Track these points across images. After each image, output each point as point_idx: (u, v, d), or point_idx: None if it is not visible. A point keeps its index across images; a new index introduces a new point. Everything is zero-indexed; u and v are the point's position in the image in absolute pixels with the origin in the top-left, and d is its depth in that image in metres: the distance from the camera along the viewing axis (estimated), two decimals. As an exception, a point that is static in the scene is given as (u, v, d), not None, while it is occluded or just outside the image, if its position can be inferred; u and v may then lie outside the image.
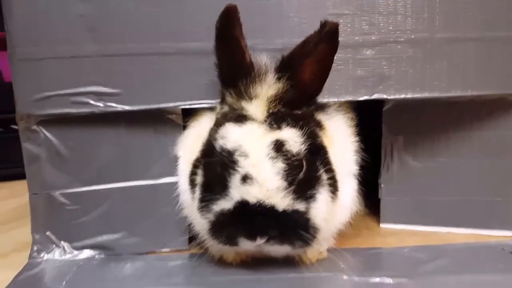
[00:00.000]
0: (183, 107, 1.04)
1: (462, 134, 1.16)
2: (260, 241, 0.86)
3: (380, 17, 1.03)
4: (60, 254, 1.09)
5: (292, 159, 0.87)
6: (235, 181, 0.86)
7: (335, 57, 0.92)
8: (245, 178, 0.86)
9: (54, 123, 1.05)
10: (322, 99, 1.03)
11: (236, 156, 0.87)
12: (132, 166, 1.09)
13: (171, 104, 1.04)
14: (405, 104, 1.12)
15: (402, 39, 1.04)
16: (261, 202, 0.85)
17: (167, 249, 1.12)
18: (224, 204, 0.88)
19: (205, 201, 0.91)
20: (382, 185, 1.22)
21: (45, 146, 1.06)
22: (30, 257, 1.09)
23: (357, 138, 1.06)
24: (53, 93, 1.02)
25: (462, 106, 1.13)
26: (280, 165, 0.86)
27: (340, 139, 1.02)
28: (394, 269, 1.00)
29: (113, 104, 1.03)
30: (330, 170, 0.95)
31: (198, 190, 0.95)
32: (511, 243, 1.11)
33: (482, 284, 0.94)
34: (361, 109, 1.25)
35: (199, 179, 0.96)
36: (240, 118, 0.91)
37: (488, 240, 1.14)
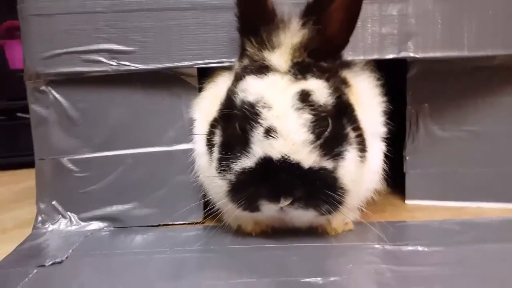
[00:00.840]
0: (199, 66, 0.99)
1: (491, 100, 1.09)
2: (284, 202, 0.79)
3: (406, -29, 0.99)
4: (66, 225, 1.02)
5: (319, 110, 0.81)
6: (257, 135, 0.80)
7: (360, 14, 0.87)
8: (269, 131, 0.79)
9: (64, 84, 1.00)
10: (347, 56, 0.97)
11: (259, 108, 0.81)
12: (145, 131, 1.03)
13: (187, 63, 0.98)
14: (431, 70, 1.07)
15: (431, -6, 1.00)
16: (286, 157, 0.78)
17: (181, 222, 1.05)
18: (245, 162, 0.81)
19: (224, 160, 0.85)
20: (407, 158, 1.15)
21: (54, 108, 1.00)
22: (34, 227, 1.02)
23: (385, 99, 1.00)
24: (64, 50, 0.97)
25: (490, 70, 1.07)
26: (307, 116, 0.80)
27: (367, 99, 0.96)
28: (427, 238, 0.92)
29: (127, 63, 0.98)
30: (357, 129, 0.89)
31: (216, 150, 0.88)
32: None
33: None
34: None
35: (217, 138, 0.89)
36: (262, 69, 0.85)
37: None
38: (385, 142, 1.10)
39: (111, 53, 0.98)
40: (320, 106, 0.81)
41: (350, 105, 0.90)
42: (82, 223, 1.03)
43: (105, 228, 1.03)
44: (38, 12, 0.97)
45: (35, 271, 0.81)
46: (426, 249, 0.86)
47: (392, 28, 0.99)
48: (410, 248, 0.86)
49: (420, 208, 1.14)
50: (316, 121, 0.81)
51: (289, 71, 0.84)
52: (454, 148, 1.12)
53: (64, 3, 0.96)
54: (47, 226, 1.02)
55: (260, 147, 0.80)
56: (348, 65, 0.98)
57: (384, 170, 1.26)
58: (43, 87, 0.99)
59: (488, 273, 0.76)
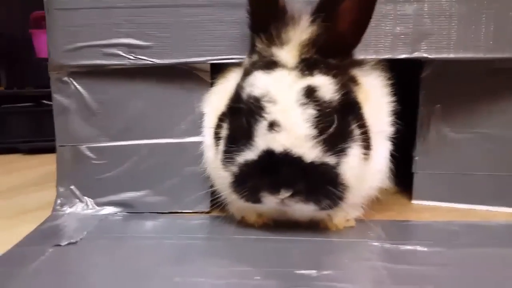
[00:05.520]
0: (213, 62, 1.02)
1: (505, 105, 1.08)
2: (284, 194, 0.82)
3: (422, -30, 0.99)
4: (82, 209, 1.08)
5: (324, 105, 0.83)
6: (261, 129, 0.83)
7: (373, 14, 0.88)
8: (272, 125, 0.82)
9: (85, 75, 1.05)
10: (358, 55, 0.98)
11: (264, 102, 0.83)
12: (159, 123, 1.08)
13: (201, 59, 1.02)
14: (445, 71, 1.07)
15: (446, -6, 0.99)
16: (288, 151, 0.81)
17: (189, 211, 1.09)
18: (249, 155, 0.84)
19: (229, 152, 0.88)
20: (416, 158, 1.15)
21: (75, 98, 1.06)
22: (54, 210, 1.09)
23: (393, 99, 1.00)
24: (86, 43, 1.03)
25: (506, 74, 1.06)
26: (311, 111, 0.82)
27: (376, 98, 0.97)
28: (428, 239, 0.93)
29: (144, 58, 1.03)
30: (363, 126, 0.90)
31: (222, 143, 0.92)
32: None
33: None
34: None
35: (224, 132, 0.93)
36: (270, 65, 0.87)
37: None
38: (393, 142, 1.12)
39: (129, 47, 1.02)
40: (325, 102, 0.83)
41: (357, 103, 0.91)
42: (97, 208, 1.09)
43: (118, 213, 1.09)
44: (62, 6, 1.02)
45: (51, 250, 0.87)
46: (425, 249, 0.87)
47: (406, 28, 1.00)
48: (409, 247, 0.87)
49: (427, 208, 1.14)
50: (320, 116, 0.82)
51: (297, 67, 0.86)
52: (464, 150, 1.12)
53: (88, -2, 1.02)
54: (65, 209, 1.08)
55: (263, 140, 0.83)
56: (358, 63, 0.99)
57: (392, 169, 1.29)
58: (65, 78, 1.05)
59: (484, 276, 0.76)
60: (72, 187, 1.09)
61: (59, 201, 1.09)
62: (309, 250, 0.87)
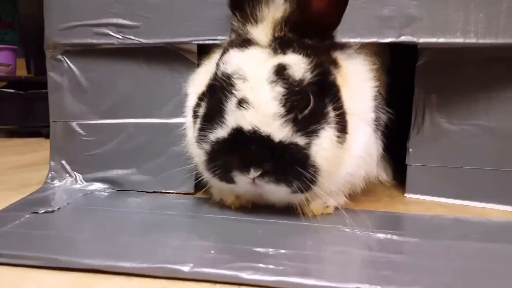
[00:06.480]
0: (197, 42, 1.03)
1: (505, 95, 1.01)
2: (254, 173, 0.81)
3: None
4: (71, 183, 1.12)
5: (294, 84, 0.81)
6: (231, 106, 0.82)
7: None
8: (241, 102, 0.81)
9: (77, 54, 1.09)
10: (342, 38, 0.96)
11: (234, 79, 0.83)
12: (146, 103, 1.10)
13: (186, 39, 1.03)
14: (441, 59, 1.02)
15: (436, -25, 0.94)
16: (256, 129, 0.79)
17: (174, 191, 1.10)
18: (220, 133, 0.84)
19: (203, 130, 0.88)
20: (410, 150, 1.10)
21: (67, 76, 1.10)
22: (45, 183, 1.13)
23: (377, 83, 0.96)
24: (78, 23, 1.07)
25: (506, 62, 0.99)
26: (279, 89, 0.80)
27: (357, 82, 0.94)
28: (405, 229, 0.90)
29: (131, 37, 1.05)
30: (339, 109, 0.87)
31: (198, 121, 0.92)
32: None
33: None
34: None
35: (201, 110, 0.93)
36: (244, 43, 0.87)
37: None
38: (391, 132, 1.08)
39: (118, 27, 1.05)
40: (295, 80, 0.81)
41: (335, 85, 0.89)
42: (86, 183, 1.13)
43: (105, 190, 1.12)
44: (58, -13, 1.07)
45: (28, 216, 0.90)
46: (398, 238, 0.83)
47: (392, 11, 0.96)
48: (380, 235, 0.83)
49: (418, 202, 1.09)
50: (289, 95, 0.80)
51: (270, 45, 0.85)
52: (461, 143, 1.06)
53: (81, -21, 1.06)
54: (55, 182, 1.13)
55: (233, 118, 0.82)
56: (342, 46, 0.96)
57: (388, 161, 1.24)
58: (59, 56, 1.10)
59: (454, 268, 0.71)
60: (63, 161, 1.14)
61: (50, 175, 1.14)
62: (275, 231, 0.85)
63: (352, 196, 1.02)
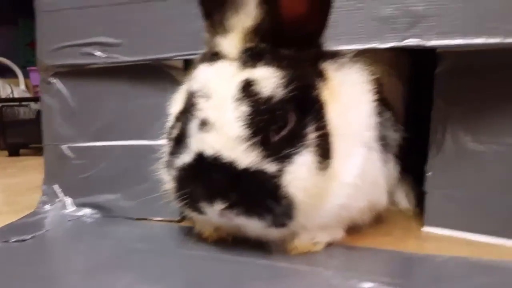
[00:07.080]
0: (182, 58, 0.96)
1: (546, 107, 0.81)
2: (220, 205, 0.70)
3: None
4: (61, 208, 1.09)
5: (260, 102, 0.70)
6: (194, 127, 0.73)
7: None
8: (203, 124, 0.71)
9: (67, 75, 1.07)
10: (334, 46, 0.83)
11: (197, 98, 0.73)
12: (132, 124, 1.04)
13: (171, 54, 0.96)
14: (465, 65, 0.85)
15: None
16: (219, 155, 0.69)
17: (159, 218, 1.03)
18: (185, 158, 0.75)
19: (173, 154, 0.79)
20: (428, 174, 0.92)
21: (58, 98, 1.08)
22: (36, 207, 1.11)
23: (376, 97, 0.81)
24: (67, 43, 1.04)
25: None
26: (244, 108, 0.70)
27: (350, 96, 0.79)
28: (407, 277, 0.74)
29: (115, 55, 1.00)
30: (322, 129, 0.74)
31: (169, 144, 0.83)
32: None
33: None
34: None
35: (175, 132, 0.84)
36: (213, 56, 0.77)
37: None
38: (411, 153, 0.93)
39: (102, 45, 1.01)
40: (262, 98, 0.70)
41: (318, 101, 0.75)
42: (76, 208, 1.09)
43: (93, 215, 1.07)
44: (49, 8, 1.05)
45: (-1, 244, 0.87)
46: (371, 285, 0.66)
47: (394, 10, 0.81)
48: (366, 285, 0.67)
49: (436, 238, 0.90)
50: (256, 114, 0.69)
51: (240, 57, 0.75)
52: (490, 166, 0.86)
53: (68, -1, 1.03)
54: (46, 207, 1.10)
55: (195, 141, 0.72)
56: (332, 55, 0.82)
57: (411, 185, 1.07)
58: (50, 78, 1.08)
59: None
60: (55, 186, 1.11)
61: (42, 199, 1.11)
62: (239, 275, 0.73)
63: (358, 228, 0.88)
